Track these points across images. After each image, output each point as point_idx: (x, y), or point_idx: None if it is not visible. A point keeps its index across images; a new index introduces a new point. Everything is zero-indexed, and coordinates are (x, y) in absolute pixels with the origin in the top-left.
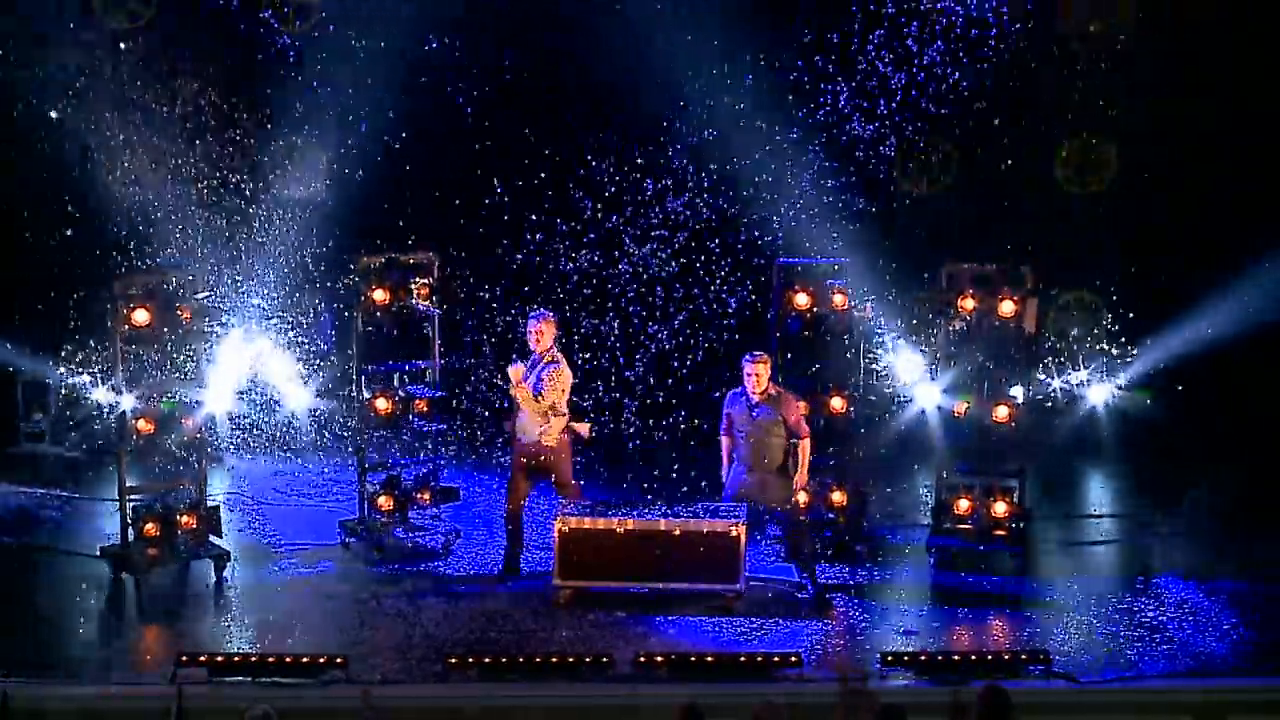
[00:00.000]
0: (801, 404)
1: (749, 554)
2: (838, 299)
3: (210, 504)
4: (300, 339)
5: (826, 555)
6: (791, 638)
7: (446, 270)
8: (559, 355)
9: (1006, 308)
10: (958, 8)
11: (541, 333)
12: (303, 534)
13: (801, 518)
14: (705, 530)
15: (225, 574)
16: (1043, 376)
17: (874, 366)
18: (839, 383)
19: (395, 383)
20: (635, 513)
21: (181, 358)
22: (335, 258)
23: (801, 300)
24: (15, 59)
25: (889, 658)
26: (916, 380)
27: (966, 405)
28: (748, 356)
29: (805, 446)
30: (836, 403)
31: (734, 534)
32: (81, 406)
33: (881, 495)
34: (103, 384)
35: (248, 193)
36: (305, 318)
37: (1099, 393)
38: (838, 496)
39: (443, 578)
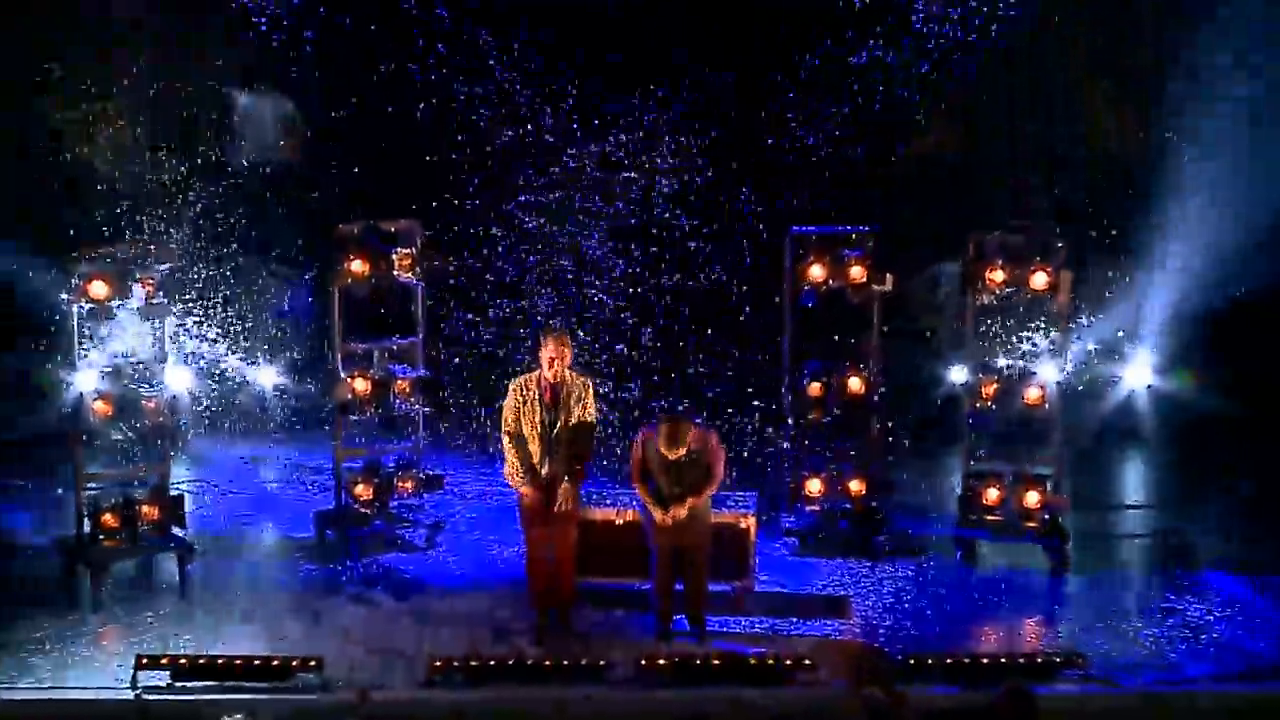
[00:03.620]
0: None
1: (761, 547)
2: (856, 271)
3: (173, 492)
4: (271, 313)
5: (843, 548)
6: (804, 638)
7: (430, 239)
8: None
9: (1039, 280)
10: None
11: (561, 355)
12: (274, 525)
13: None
14: (712, 522)
15: (189, 568)
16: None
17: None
18: (857, 362)
19: (375, 361)
20: (635, 503)
21: (143, 334)
22: (312, 226)
23: (815, 273)
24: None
25: (911, 661)
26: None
27: (996, 386)
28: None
29: (707, 490)
30: (854, 383)
31: (743, 525)
32: (33, 387)
33: (904, 483)
34: (57, 363)
35: (213, 158)
36: (277, 291)
37: (1137, 373)
38: (855, 485)
39: (426, 572)
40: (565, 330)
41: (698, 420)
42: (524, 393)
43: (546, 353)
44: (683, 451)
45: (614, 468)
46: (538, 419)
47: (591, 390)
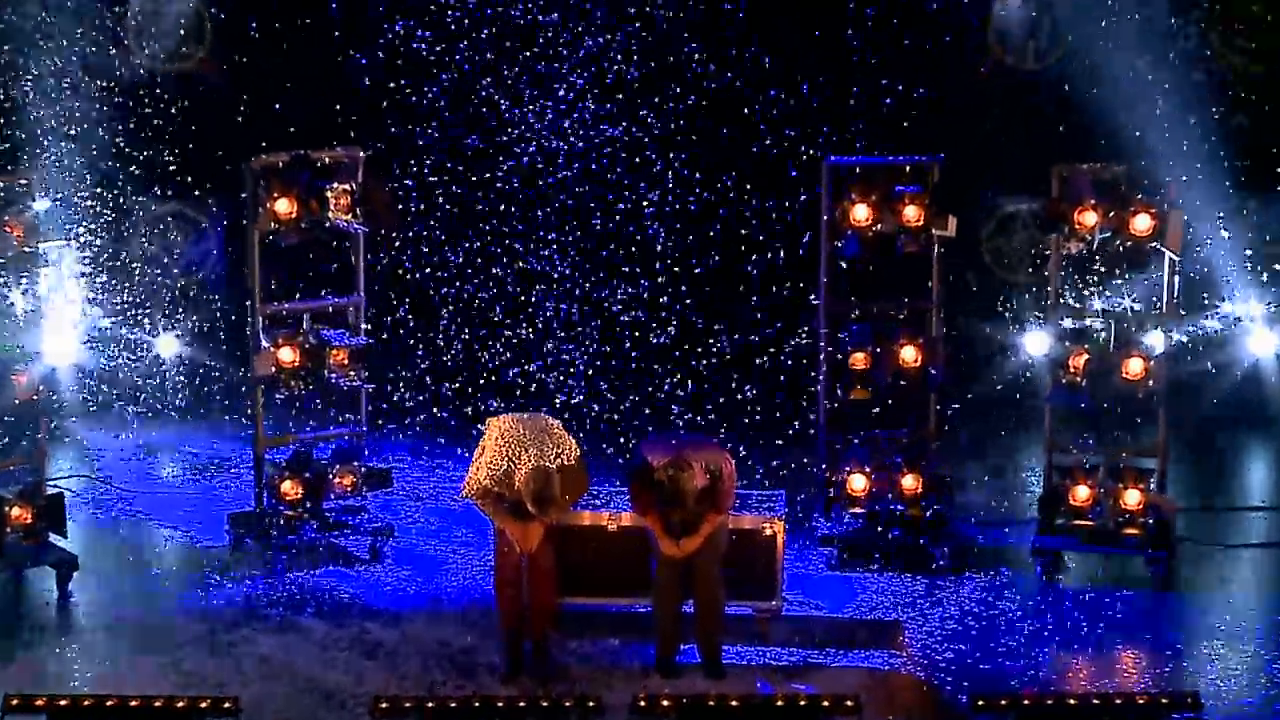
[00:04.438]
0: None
1: (791, 559)
2: (911, 212)
3: (50, 491)
4: (174, 266)
5: (894, 561)
6: (845, 673)
7: (374, 172)
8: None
9: (1141, 223)
10: None
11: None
12: (178, 531)
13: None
14: (729, 528)
15: (71, 586)
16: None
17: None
18: (911, 327)
19: (305, 326)
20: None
21: (10, 289)
22: (226, 156)
23: (860, 214)
24: None
25: (980, 702)
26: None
27: (1086, 357)
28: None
29: (718, 519)
30: (908, 353)
31: (768, 532)
32: None
33: (970, 480)
34: None
35: (100, 68)
36: (181, 237)
37: (1265, 339)
38: (909, 482)
39: (370, 591)
40: (549, 482)
41: (711, 443)
42: (502, 480)
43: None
44: (686, 494)
45: (611, 466)
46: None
47: (570, 441)
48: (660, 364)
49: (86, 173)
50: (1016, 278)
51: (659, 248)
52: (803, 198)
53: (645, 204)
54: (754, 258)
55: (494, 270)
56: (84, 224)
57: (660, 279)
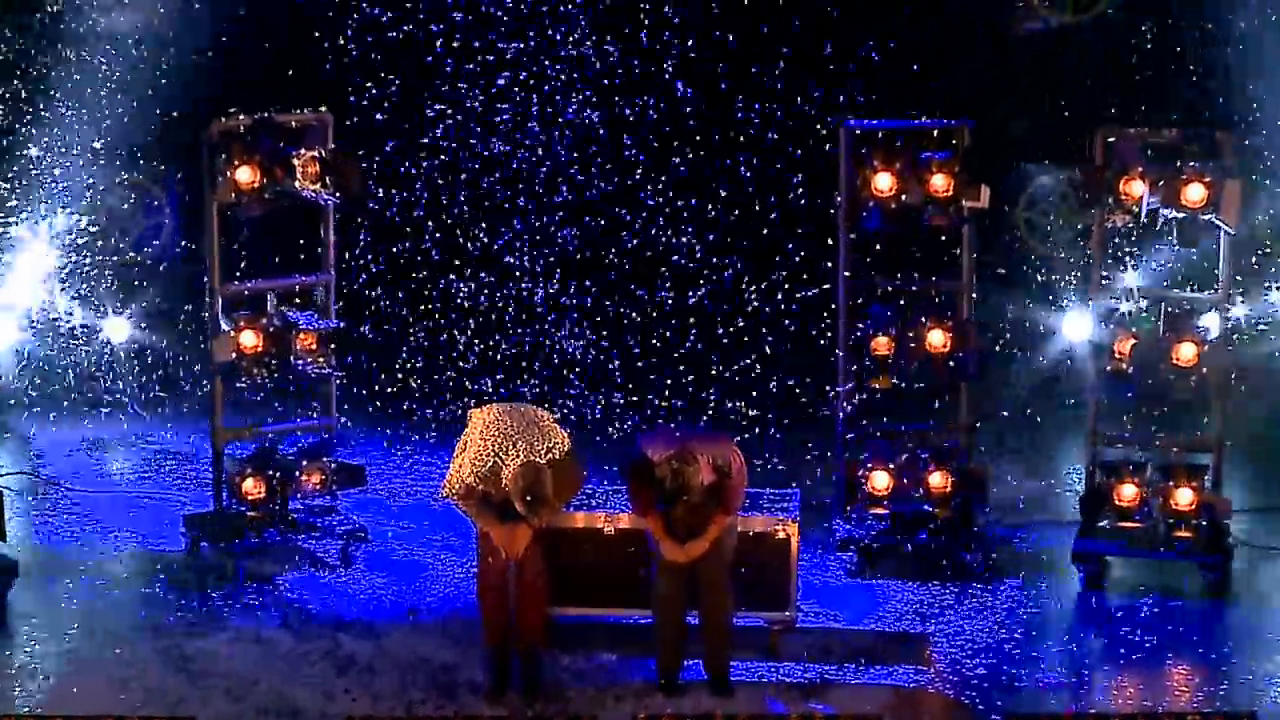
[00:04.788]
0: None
1: (807, 565)
2: (939, 181)
3: None
4: (125, 241)
5: (921, 567)
6: (867, 691)
7: (345, 139)
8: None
9: (1194, 193)
10: None
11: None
12: (129, 533)
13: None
14: (738, 530)
15: (10, 596)
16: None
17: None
18: (940, 308)
19: (269, 307)
20: (629, 504)
21: None
22: (184, 119)
23: (883, 183)
24: None
25: None
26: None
27: (1133, 341)
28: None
29: (725, 520)
30: (936, 337)
31: (781, 535)
32: None
33: (1004, 477)
34: None
35: (43, 19)
36: (133, 209)
37: None
38: (938, 479)
39: (341, 600)
40: (541, 482)
41: (718, 435)
42: (484, 457)
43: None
44: (691, 488)
45: (608, 462)
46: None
47: (561, 434)
48: (661, 351)
49: (29, 143)
50: (1055, 254)
51: (659, 222)
52: (819, 166)
53: (644, 176)
54: (764, 232)
55: (479, 246)
56: (23, 192)
57: (661, 257)
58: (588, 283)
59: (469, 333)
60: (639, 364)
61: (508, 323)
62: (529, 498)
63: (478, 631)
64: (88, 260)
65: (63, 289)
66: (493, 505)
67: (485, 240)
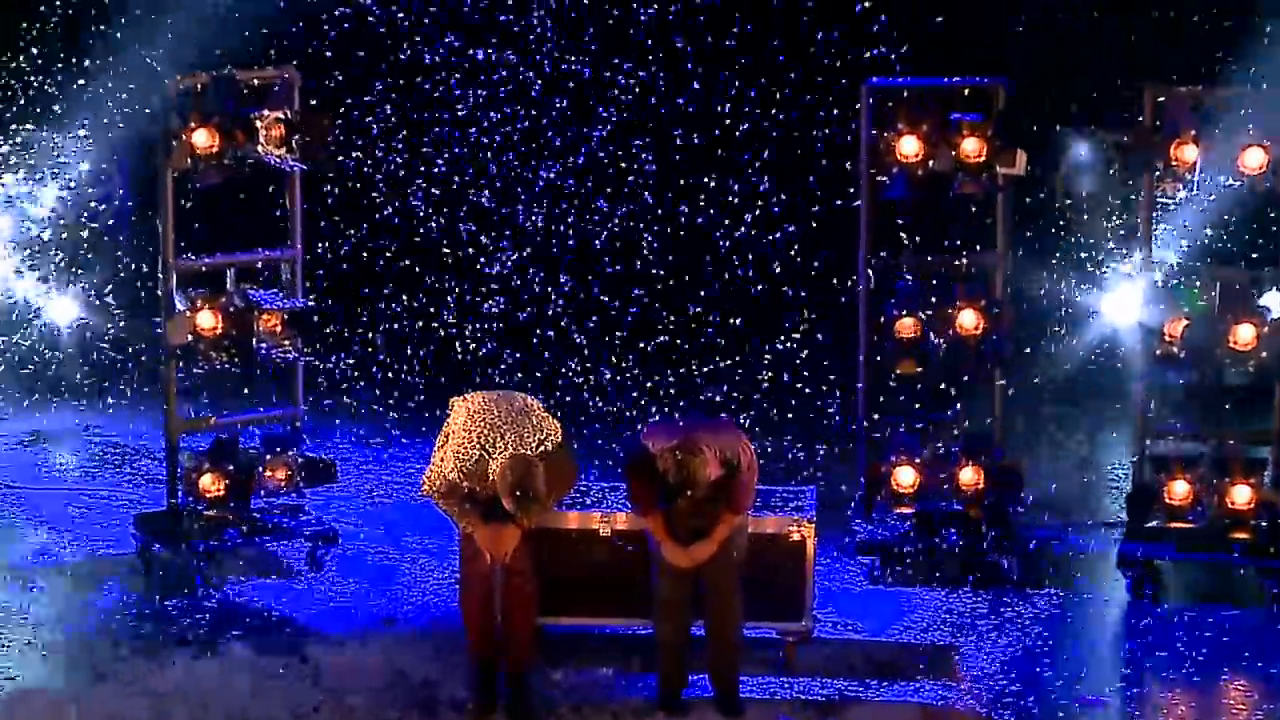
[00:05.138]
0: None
1: (824, 570)
2: (970, 145)
3: None
4: (69, 211)
5: (949, 572)
6: (890, 709)
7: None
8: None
9: (1252, 159)
10: None
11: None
12: (75, 536)
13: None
14: (748, 531)
15: None
16: None
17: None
18: (971, 285)
19: (229, 285)
20: (627, 502)
21: None
22: (135, 77)
23: (908, 148)
24: None
25: None
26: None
27: (1185, 323)
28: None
29: (734, 520)
30: (968, 319)
31: (796, 537)
32: None
33: (1041, 472)
34: None
35: None
36: (78, 177)
37: None
38: (969, 475)
39: (310, 609)
40: (532, 477)
41: (726, 426)
42: (468, 449)
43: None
44: (697, 482)
45: (605, 456)
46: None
47: (553, 424)
48: (663, 334)
49: None
50: (1099, 226)
51: (659, 190)
52: (837, 129)
53: (643, 139)
54: (777, 200)
55: (461, 216)
56: None
57: (664, 231)
58: (582, 261)
59: (452, 313)
60: (644, 354)
61: (503, 301)
62: (518, 494)
63: (461, 644)
64: (29, 230)
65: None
66: (478, 503)
67: (474, 209)
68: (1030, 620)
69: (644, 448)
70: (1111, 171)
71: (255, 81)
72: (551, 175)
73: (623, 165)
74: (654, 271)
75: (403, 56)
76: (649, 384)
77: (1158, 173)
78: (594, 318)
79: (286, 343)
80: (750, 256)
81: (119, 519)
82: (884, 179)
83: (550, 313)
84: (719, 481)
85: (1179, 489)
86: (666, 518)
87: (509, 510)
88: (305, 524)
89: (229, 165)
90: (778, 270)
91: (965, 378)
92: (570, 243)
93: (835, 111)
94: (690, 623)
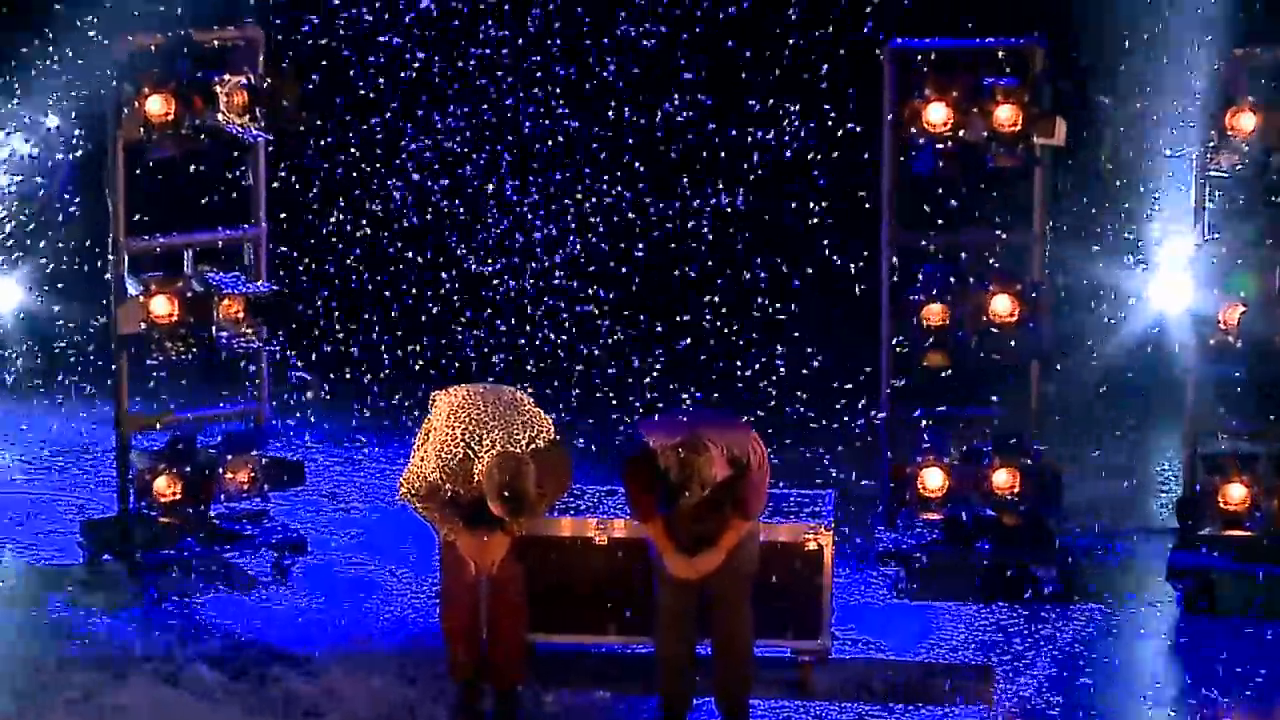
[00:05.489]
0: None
1: (843, 583)
2: (1005, 113)
3: None
4: (11, 188)
5: (981, 585)
6: None
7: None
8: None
9: None
10: None
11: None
12: (15, 545)
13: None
14: (760, 539)
15: None
16: None
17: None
18: (1007, 270)
19: (186, 267)
20: (625, 508)
21: None
22: (84, 37)
23: (936, 116)
24: None
25: None
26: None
27: (1241, 310)
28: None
29: (744, 526)
30: (1001, 304)
31: (812, 546)
32: None
33: (1088, 473)
34: None
35: None
36: (19, 150)
37: None
38: (1003, 478)
39: (275, 625)
40: (521, 474)
41: (735, 422)
42: (451, 447)
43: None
44: (702, 481)
45: (601, 459)
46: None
47: (545, 420)
48: (666, 320)
49: None
50: (1145, 203)
51: (661, 163)
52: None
53: (640, 103)
54: (790, 173)
55: (441, 188)
56: None
57: (666, 205)
58: (582, 246)
59: (433, 301)
60: (645, 345)
61: (490, 287)
62: (506, 495)
63: (442, 664)
64: None
65: None
66: (461, 508)
67: (459, 184)
68: (1072, 638)
69: (644, 445)
70: (1160, 142)
71: (215, 43)
72: (552, 145)
73: (615, 144)
74: (651, 258)
75: (383, 13)
76: (648, 379)
77: (1212, 143)
78: (590, 306)
79: (249, 331)
80: (761, 237)
81: (64, 526)
82: (910, 151)
83: (547, 300)
84: (726, 482)
85: (1234, 493)
86: (668, 523)
87: (496, 514)
88: (270, 531)
89: (186, 135)
90: (795, 255)
91: (999, 371)
92: (571, 223)
93: (854, 77)
94: (695, 640)
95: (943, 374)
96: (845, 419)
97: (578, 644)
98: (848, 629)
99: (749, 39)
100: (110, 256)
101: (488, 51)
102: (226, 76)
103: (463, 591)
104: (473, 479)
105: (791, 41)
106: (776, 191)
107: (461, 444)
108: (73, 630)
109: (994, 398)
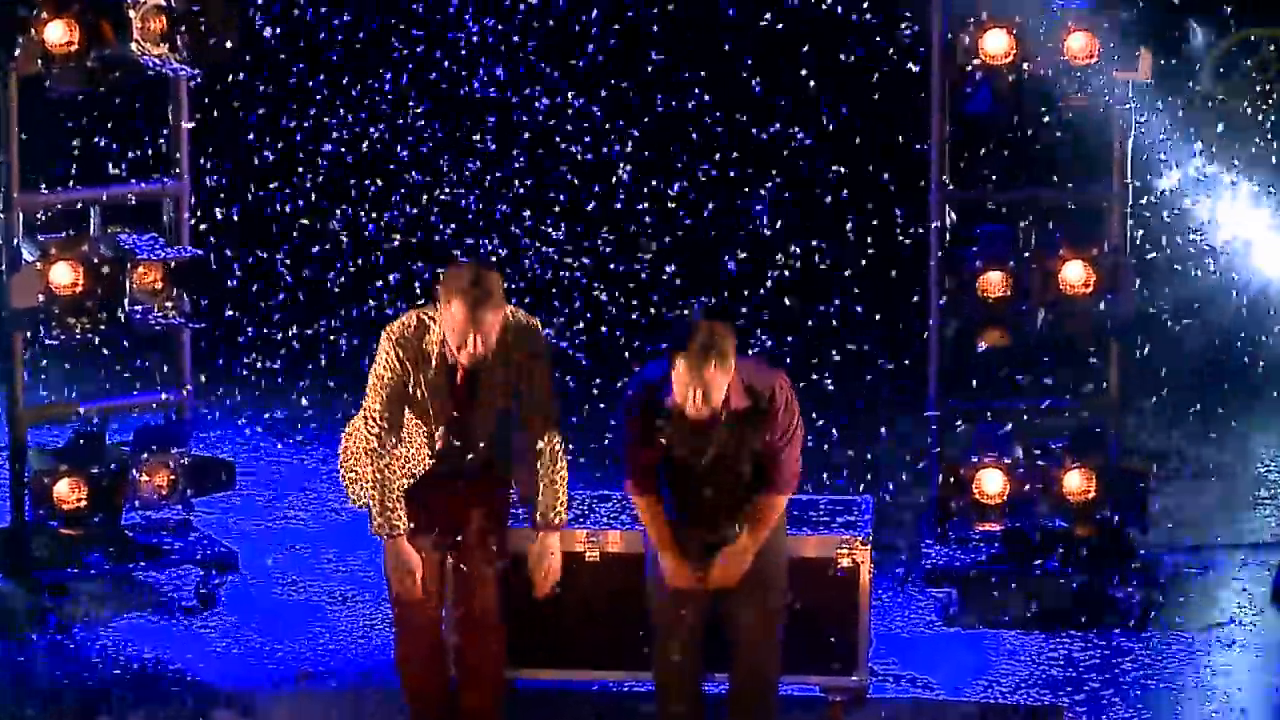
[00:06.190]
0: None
1: (883, 607)
2: (1077, 43)
3: None
4: None
5: (1049, 609)
6: None
7: None
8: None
9: None
10: None
11: (482, 323)
12: None
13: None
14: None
15: None
16: None
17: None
18: (1079, 232)
19: (93, 228)
20: (626, 519)
21: None
22: None
23: (995, 46)
24: None
25: None
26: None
27: None
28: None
29: (775, 503)
30: (1073, 272)
31: (847, 564)
32: None
33: (1175, 477)
34: None
35: None
36: None
37: None
38: (1076, 482)
39: (200, 658)
40: (487, 275)
41: (765, 364)
42: (411, 367)
43: (453, 320)
44: (723, 403)
45: (598, 460)
46: (442, 412)
47: (543, 342)
48: (676, 296)
49: None
50: (1250, 151)
51: (666, 116)
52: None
53: (649, 47)
54: (820, 118)
55: (407, 139)
56: None
57: (679, 168)
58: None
59: (397, 266)
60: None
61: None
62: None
63: (399, 704)
64: None
65: None
66: (419, 492)
67: (424, 127)
68: (1156, 672)
69: (643, 382)
70: (1268, 77)
71: None
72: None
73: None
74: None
75: None
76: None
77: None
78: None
79: (169, 304)
80: (789, 194)
81: None
82: (965, 89)
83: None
84: (742, 426)
85: None
86: (668, 508)
87: (458, 348)
88: (194, 546)
89: (93, 69)
90: (830, 220)
91: (1071, 353)
92: (560, 181)
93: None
94: (704, 674)
95: (1003, 355)
96: (885, 411)
97: (565, 681)
98: (887, 664)
99: None
100: (1, 214)
101: None
102: (140, 1)
103: (422, 626)
104: (430, 358)
105: None
106: (807, 148)
107: (407, 336)
108: None
109: (1065, 385)
